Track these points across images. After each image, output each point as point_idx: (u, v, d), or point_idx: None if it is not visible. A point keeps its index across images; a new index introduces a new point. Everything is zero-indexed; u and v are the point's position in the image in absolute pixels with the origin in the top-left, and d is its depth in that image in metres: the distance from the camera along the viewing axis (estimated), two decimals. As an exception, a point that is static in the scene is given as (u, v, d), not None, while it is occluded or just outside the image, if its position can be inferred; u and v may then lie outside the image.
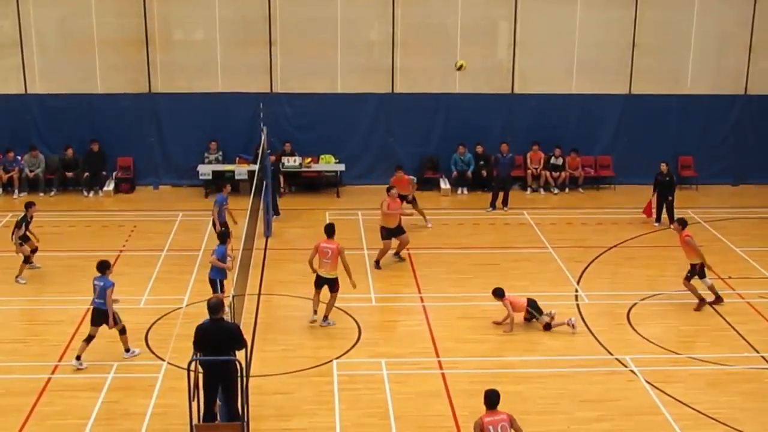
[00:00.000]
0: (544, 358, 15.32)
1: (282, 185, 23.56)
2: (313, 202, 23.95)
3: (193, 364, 11.51)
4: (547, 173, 25.10)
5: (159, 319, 16.44)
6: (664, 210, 22.01)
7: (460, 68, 21.71)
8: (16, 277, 18.07)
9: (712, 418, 13.38)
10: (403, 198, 20.22)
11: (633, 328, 16.40)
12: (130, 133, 24.76)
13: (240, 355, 11.91)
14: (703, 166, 25.66)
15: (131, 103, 24.60)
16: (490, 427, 10.61)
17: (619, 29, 25.09)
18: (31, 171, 24.17)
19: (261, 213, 20.20)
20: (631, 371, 14.79)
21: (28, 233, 18.24)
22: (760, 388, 14.38)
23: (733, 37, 25.43)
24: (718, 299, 17.27)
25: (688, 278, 17.16)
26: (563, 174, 25.18)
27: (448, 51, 24.68)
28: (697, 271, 17.04)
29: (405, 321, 16.90)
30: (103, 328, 14.60)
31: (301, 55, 24.65)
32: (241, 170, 24.10)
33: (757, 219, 23.02)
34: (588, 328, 16.33)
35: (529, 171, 25.17)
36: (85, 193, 24.27)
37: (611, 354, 15.40)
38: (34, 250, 18.41)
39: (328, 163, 24.93)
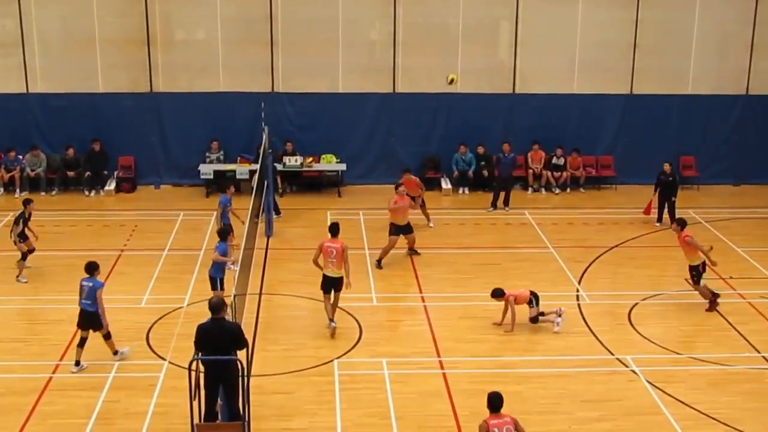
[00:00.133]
0: (544, 358, 15.31)
1: (280, 185, 23.55)
2: (315, 201, 23.94)
3: (194, 363, 11.50)
4: (549, 173, 25.10)
5: (160, 318, 16.44)
6: (666, 210, 22.02)
7: (451, 82, 21.92)
8: (17, 276, 18.07)
9: (713, 418, 13.38)
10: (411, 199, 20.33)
11: (634, 328, 16.39)
12: (132, 132, 24.76)
13: (241, 354, 11.89)
14: (704, 166, 25.64)
15: (132, 102, 24.60)
16: (495, 430, 10.58)
17: (621, 29, 25.07)
18: (32, 170, 24.16)
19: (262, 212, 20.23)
20: (632, 371, 14.78)
21: (27, 231, 18.17)
22: (761, 389, 14.37)
23: (734, 37, 25.41)
24: (715, 298, 17.27)
25: (696, 281, 17.11)
26: (564, 174, 25.17)
27: (449, 51, 24.72)
28: (701, 270, 17.03)
29: (406, 321, 16.90)
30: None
31: (303, 55, 24.64)
32: (242, 170, 24.12)
33: (759, 219, 23.00)
34: (589, 328, 16.33)
35: (530, 171, 25.16)
36: (87, 193, 24.27)
37: (612, 354, 15.39)
38: (30, 251, 18.28)
39: (330, 163, 24.93)
